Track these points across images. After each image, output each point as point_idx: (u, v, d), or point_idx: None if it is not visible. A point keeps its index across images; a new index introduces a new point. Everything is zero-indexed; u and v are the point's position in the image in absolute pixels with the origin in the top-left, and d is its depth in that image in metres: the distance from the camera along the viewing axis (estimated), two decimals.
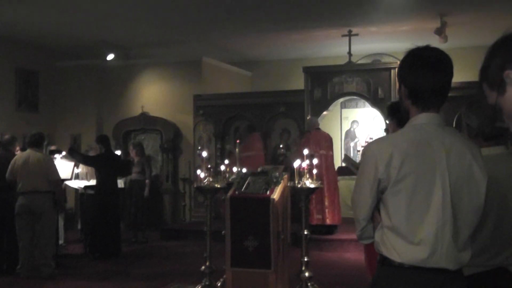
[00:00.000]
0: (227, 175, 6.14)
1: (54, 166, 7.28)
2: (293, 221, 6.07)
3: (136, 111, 11.97)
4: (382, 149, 2.15)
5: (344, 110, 11.96)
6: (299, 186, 5.51)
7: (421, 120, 2.17)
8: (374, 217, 2.24)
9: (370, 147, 2.23)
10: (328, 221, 8.88)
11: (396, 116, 3.57)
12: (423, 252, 2.07)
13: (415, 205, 2.08)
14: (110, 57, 11.94)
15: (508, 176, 2.54)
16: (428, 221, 2.07)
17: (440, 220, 2.07)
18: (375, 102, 9.88)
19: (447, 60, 2.17)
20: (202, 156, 6.49)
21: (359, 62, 11.21)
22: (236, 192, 5.61)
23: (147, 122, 11.86)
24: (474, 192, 2.12)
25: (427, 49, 2.19)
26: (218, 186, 5.91)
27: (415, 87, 2.17)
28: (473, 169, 2.12)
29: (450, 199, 2.08)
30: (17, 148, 7.85)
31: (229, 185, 5.85)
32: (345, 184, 9.34)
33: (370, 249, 3.91)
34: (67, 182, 8.42)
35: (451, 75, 2.18)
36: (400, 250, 2.09)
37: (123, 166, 8.98)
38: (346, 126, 11.98)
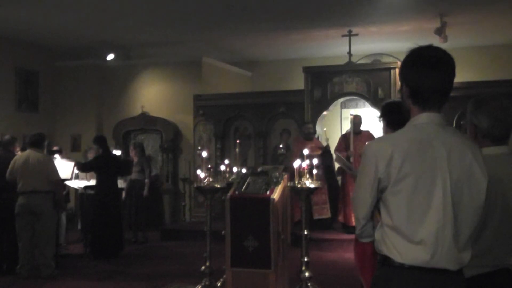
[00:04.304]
0: (227, 175, 6.14)
1: (54, 166, 7.29)
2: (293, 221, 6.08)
3: (136, 111, 11.97)
4: (382, 149, 2.15)
5: (344, 110, 11.95)
6: (299, 186, 5.52)
7: (422, 120, 2.17)
8: (374, 216, 2.24)
9: (371, 146, 2.23)
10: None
11: (386, 117, 3.56)
12: (424, 252, 2.07)
13: (416, 205, 2.08)
14: (110, 57, 11.94)
15: (510, 175, 2.53)
16: (429, 221, 2.07)
17: (440, 220, 2.07)
18: (375, 102, 9.88)
19: (449, 60, 2.16)
20: (202, 156, 6.49)
21: (359, 62, 11.20)
22: (236, 192, 5.61)
23: (147, 122, 11.86)
24: (474, 192, 2.12)
25: (429, 48, 2.18)
26: (218, 186, 5.92)
27: (417, 87, 2.16)
28: (473, 169, 2.12)
29: (450, 199, 2.08)
30: (17, 148, 7.85)
31: (229, 185, 5.85)
32: None
33: (360, 249, 3.90)
34: (67, 182, 8.42)
35: (453, 75, 2.17)
36: (401, 250, 2.09)
37: (122, 166, 8.97)
38: (346, 126, 11.97)
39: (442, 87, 2.16)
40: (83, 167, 8.66)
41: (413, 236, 2.08)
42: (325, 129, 10.29)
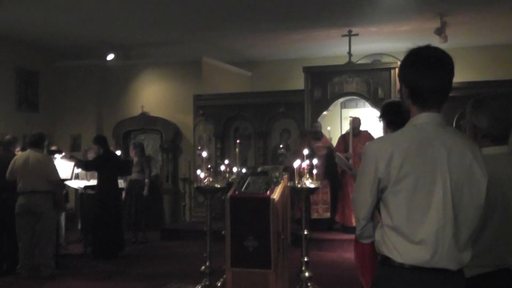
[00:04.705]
0: (227, 175, 6.14)
1: (54, 166, 7.28)
2: (293, 221, 6.08)
3: (136, 111, 11.97)
4: (382, 148, 2.15)
5: (344, 110, 11.95)
6: (299, 186, 5.51)
7: (422, 119, 2.17)
8: (374, 217, 2.24)
9: (371, 146, 2.22)
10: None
11: (386, 117, 3.57)
12: (425, 252, 2.07)
13: (416, 204, 2.08)
14: (110, 57, 11.94)
15: (510, 175, 2.52)
16: (429, 221, 2.07)
17: (441, 220, 2.07)
18: (375, 102, 9.88)
19: (448, 60, 2.16)
20: (202, 156, 6.49)
21: (359, 62, 11.20)
22: (236, 192, 5.61)
23: (147, 122, 11.86)
24: (474, 191, 2.12)
25: (427, 48, 2.18)
26: (218, 186, 5.92)
27: (416, 87, 2.16)
28: (473, 169, 2.12)
29: (451, 199, 2.08)
30: (18, 148, 7.85)
31: (229, 185, 5.85)
32: None
33: (360, 249, 3.90)
34: (67, 182, 8.41)
35: (451, 74, 2.17)
36: (402, 250, 2.09)
37: (123, 166, 8.97)
38: (346, 126, 11.97)
39: (441, 86, 2.16)
40: (87, 166, 8.63)
41: (413, 236, 2.08)
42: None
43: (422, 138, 2.13)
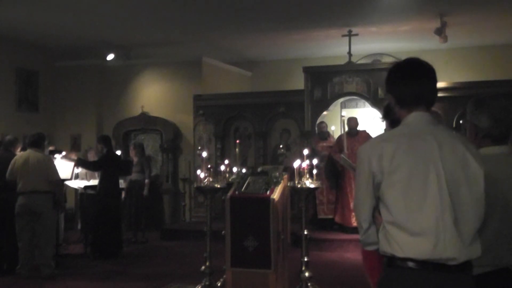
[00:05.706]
0: (227, 175, 6.14)
1: (54, 166, 7.28)
2: (293, 221, 6.08)
3: (136, 111, 11.97)
4: (374, 146, 2.24)
5: (344, 110, 11.95)
6: (299, 186, 5.52)
7: (412, 118, 2.27)
8: (375, 219, 2.26)
9: (363, 147, 2.31)
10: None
11: (389, 118, 3.57)
12: (427, 243, 2.09)
13: (412, 195, 2.13)
14: (110, 57, 11.94)
15: (510, 175, 2.53)
16: (427, 210, 2.11)
17: (438, 208, 2.11)
18: (375, 102, 9.88)
19: (426, 69, 2.28)
20: (202, 156, 6.50)
21: (359, 62, 11.20)
22: (236, 192, 5.61)
23: (147, 122, 11.87)
24: (472, 180, 2.16)
25: (406, 61, 2.33)
26: (218, 186, 5.92)
27: (401, 96, 2.29)
28: (468, 160, 2.17)
29: (446, 186, 2.12)
30: (18, 148, 7.84)
31: (229, 185, 5.85)
32: None
33: (367, 252, 3.89)
34: (67, 182, 8.40)
35: (433, 81, 2.28)
36: (403, 244, 2.12)
37: (123, 166, 8.97)
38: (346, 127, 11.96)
39: (424, 93, 2.27)
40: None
41: (414, 227, 2.11)
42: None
43: (412, 132, 2.22)
